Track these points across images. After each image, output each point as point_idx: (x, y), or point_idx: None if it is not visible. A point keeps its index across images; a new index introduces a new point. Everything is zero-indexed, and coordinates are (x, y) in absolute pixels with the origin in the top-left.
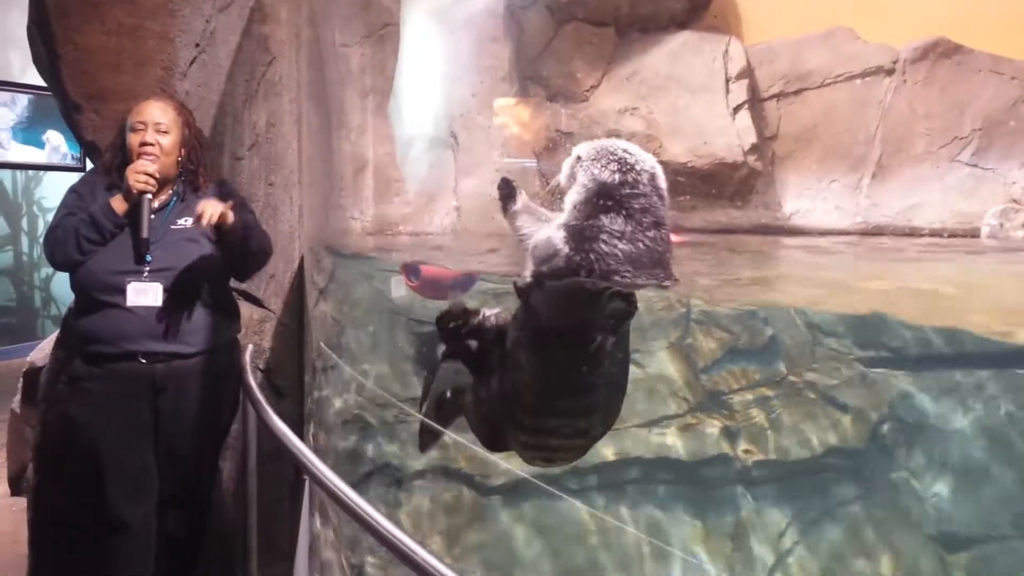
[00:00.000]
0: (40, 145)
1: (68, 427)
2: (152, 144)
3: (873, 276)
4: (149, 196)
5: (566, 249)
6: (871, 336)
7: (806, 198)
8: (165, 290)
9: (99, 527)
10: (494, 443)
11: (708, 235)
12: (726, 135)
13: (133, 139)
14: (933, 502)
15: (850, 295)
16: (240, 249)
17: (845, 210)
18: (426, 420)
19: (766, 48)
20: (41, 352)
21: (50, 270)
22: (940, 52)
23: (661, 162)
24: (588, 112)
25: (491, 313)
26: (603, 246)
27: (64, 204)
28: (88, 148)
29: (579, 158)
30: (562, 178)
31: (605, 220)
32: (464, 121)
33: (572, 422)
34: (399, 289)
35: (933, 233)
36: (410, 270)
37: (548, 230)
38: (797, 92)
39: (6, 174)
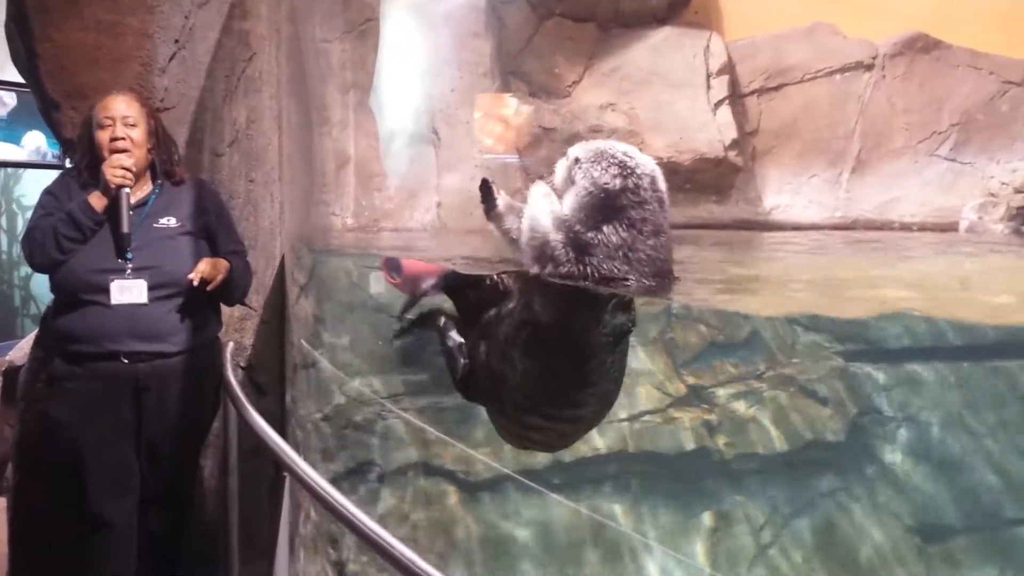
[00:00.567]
0: (19, 143)
1: (48, 426)
2: (123, 138)
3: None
4: (127, 190)
5: (564, 257)
6: (850, 330)
7: (786, 193)
8: (149, 287)
9: (80, 526)
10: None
11: (690, 230)
12: (707, 130)
13: (102, 135)
14: (911, 493)
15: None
16: (224, 292)
17: (825, 205)
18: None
19: (747, 44)
20: (20, 351)
21: (30, 268)
22: (919, 47)
23: None
24: (570, 108)
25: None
26: (603, 261)
27: (40, 205)
28: (67, 146)
29: (577, 160)
30: (557, 180)
31: (606, 231)
32: (445, 117)
33: (554, 426)
34: (379, 285)
35: (911, 227)
36: (391, 266)
37: (547, 225)
38: (778, 87)
39: None
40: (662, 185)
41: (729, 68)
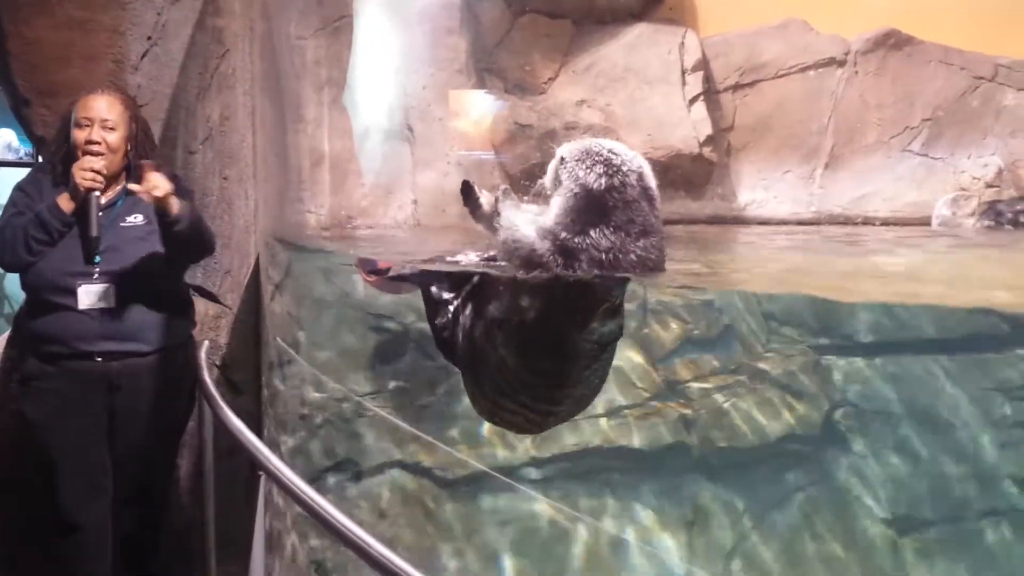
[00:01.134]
0: None
1: (21, 427)
2: (98, 143)
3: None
4: (97, 194)
5: (553, 264)
6: (824, 323)
7: (761, 188)
8: (117, 291)
9: (54, 527)
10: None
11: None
12: (682, 127)
13: (78, 135)
14: (885, 486)
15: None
16: (181, 237)
17: (799, 200)
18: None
19: (721, 40)
20: None
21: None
22: (891, 43)
23: None
24: (546, 104)
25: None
26: (592, 265)
27: (12, 203)
28: (38, 143)
29: (563, 159)
30: (547, 180)
31: (593, 235)
32: (420, 114)
33: (527, 414)
34: (357, 284)
35: (885, 222)
36: (366, 264)
37: (530, 235)
38: (752, 84)
39: None
40: (651, 182)
41: (704, 64)
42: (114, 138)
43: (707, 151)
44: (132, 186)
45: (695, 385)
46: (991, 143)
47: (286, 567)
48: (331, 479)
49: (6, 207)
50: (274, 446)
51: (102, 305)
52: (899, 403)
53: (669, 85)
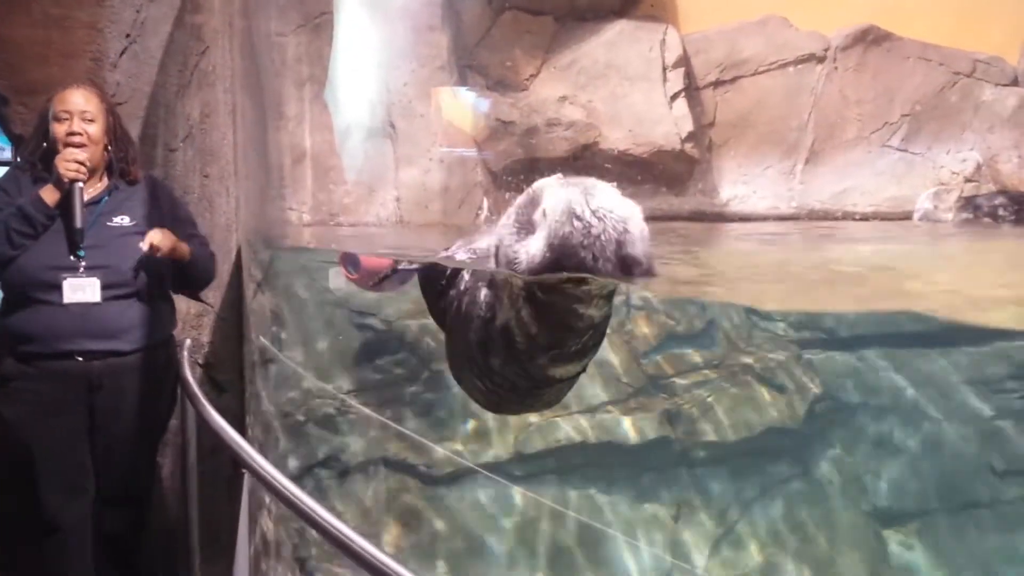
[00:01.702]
0: None
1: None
2: (79, 134)
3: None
4: (81, 185)
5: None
6: (806, 319)
7: (742, 184)
8: (102, 286)
9: (34, 529)
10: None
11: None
12: (664, 123)
13: (58, 129)
14: (868, 479)
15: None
16: (186, 274)
17: (780, 196)
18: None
19: (702, 37)
20: None
21: None
22: (870, 40)
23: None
24: (528, 101)
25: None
26: None
27: None
28: (17, 141)
29: (544, 213)
30: (513, 214)
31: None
32: (402, 111)
33: (493, 397)
34: (335, 279)
35: (865, 217)
36: (349, 261)
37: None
38: (732, 80)
39: None
40: (633, 246)
41: (684, 61)
42: (94, 130)
43: (688, 147)
44: (143, 245)
45: (679, 380)
46: (970, 138)
47: (271, 565)
48: (315, 476)
49: None
50: (257, 444)
51: (88, 299)
52: (881, 396)
53: (650, 82)
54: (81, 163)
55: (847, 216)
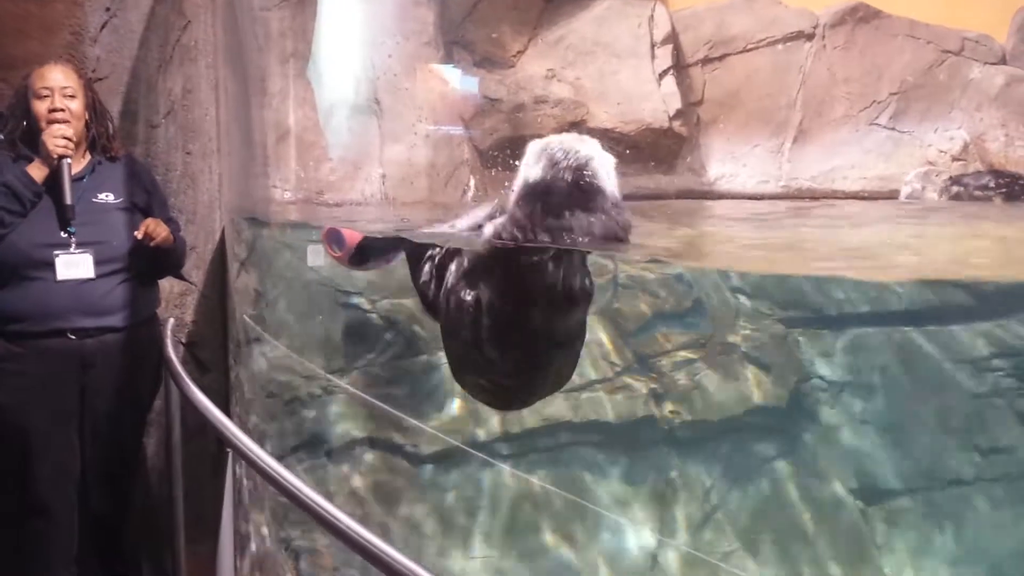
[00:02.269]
0: None
1: None
2: (62, 110)
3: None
4: (69, 160)
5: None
6: (791, 297)
7: (730, 162)
8: (94, 262)
9: (21, 509)
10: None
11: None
12: (652, 100)
13: (39, 106)
14: (852, 457)
15: None
16: (164, 260)
17: (768, 174)
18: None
19: (691, 13)
20: None
21: None
22: (858, 17)
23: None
24: (515, 78)
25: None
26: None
27: None
28: None
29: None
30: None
31: (538, 219)
32: (388, 86)
33: (486, 395)
34: (317, 258)
35: (853, 195)
36: (332, 238)
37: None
38: (721, 57)
39: None
40: (598, 176)
41: (673, 38)
42: (76, 105)
43: (677, 125)
44: (138, 234)
45: (665, 359)
46: (958, 116)
47: (256, 545)
48: (300, 456)
49: None
50: (242, 424)
51: (81, 275)
52: (865, 374)
53: (639, 58)
54: (69, 139)
55: (834, 194)
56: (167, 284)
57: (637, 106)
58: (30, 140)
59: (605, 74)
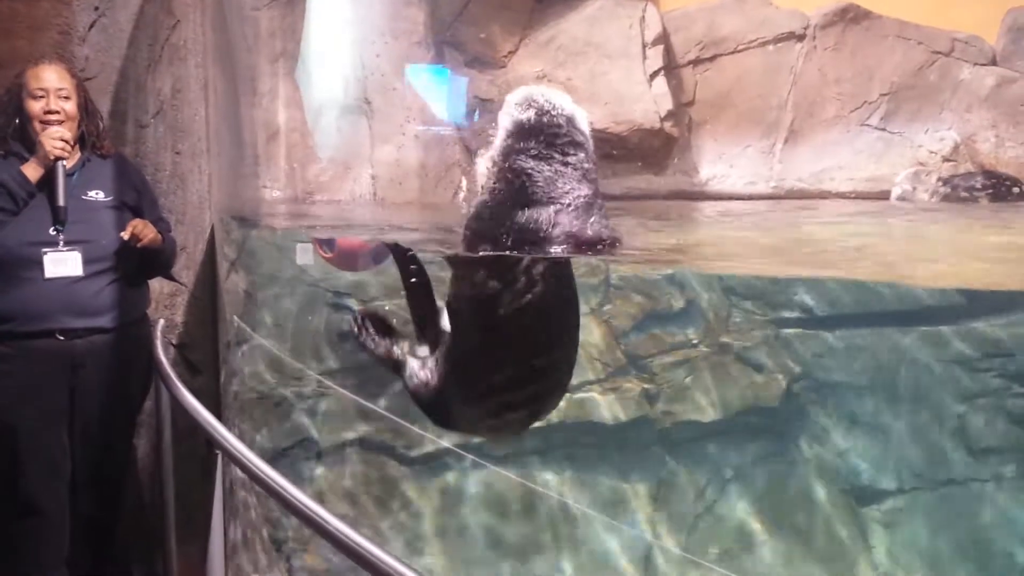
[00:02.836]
0: None
1: None
2: (57, 111)
3: None
4: (63, 162)
5: (492, 181)
6: (783, 297)
7: (722, 163)
8: (83, 261)
9: (12, 511)
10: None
11: (627, 201)
12: (643, 101)
13: (34, 106)
14: (845, 457)
15: None
16: (153, 260)
17: (760, 175)
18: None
19: (682, 14)
20: None
21: None
22: (849, 18)
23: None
24: (506, 78)
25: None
26: (536, 199)
27: None
28: None
29: (505, 103)
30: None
31: (523, 163)
32: (378, 87)
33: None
34: (305, 257)
35: (844, 196)
36: (324, 241)
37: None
38: (712, 58)
39: None
40: (579, 130)
41: (664, 38)
42: (70, 106)
43: (668, 126)
44: (125, 234)
45: (658, 360)
46: (948, 117)
47: (246, 546)
48: (290, 457)
49: None
50: (232, 425)
51: (69, 273)
52: (858, 375)
53: (630, 59)
54: (67, 141)
55: (826, 196)
56: (157, 284)
57: (628, 107)
58: (21, 138)
59: (596, 75)
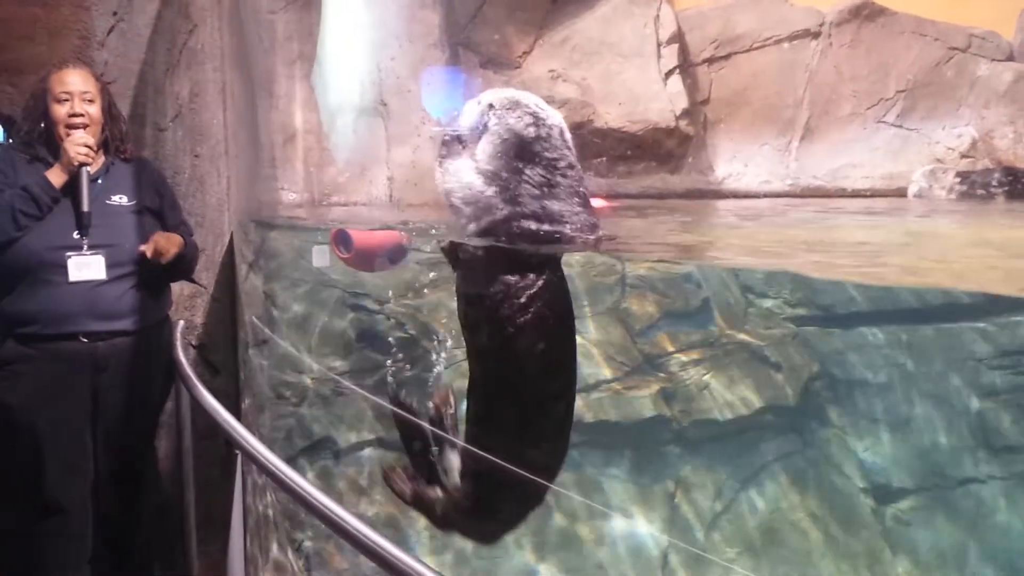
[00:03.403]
0: None
1: (1, 412)
2: (82, 115)
3: None
4: (88, 168)
5: (488, 192)
6: (801, 295)
7: (738, 161)
8: (106, 264)
9: (35, 511)
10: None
11: (643, 200)
12: (658, 100)
13: (59, 110)
14: (864, 456)
15: None
16: (174, 267)
17: (776, 173)
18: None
19: (696, 13)
20: None
21: None
22: (865, 15)
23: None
24: (521, 78)
25: None
26: (532, 201)
27: None
28: (5, 122)
29: (491, 106)
30: (465, 122)
31: (528, 172)
32: (395, 89)
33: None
34: (322, 258)
35: (861, 194)
36: (340, 240)
37: (467, 172)
38: (727, 56)
39: None
40: (568, 138)
41: (679, 37)
42: (95, 110)
43: (683, 124)
44: (148, 251)
45: (674, 358)
46: (965, 114)
47: (266, 546)
48: (309, 457)
49: None
50: (252, 425)
51: (93, 277)
52: (876, 373)
53: (644, 58)
54: (90, 147)
55: (842, 193)
56: (177, 287)
57: (643, 106)
58: (47, 142)
59: (611, 74)
